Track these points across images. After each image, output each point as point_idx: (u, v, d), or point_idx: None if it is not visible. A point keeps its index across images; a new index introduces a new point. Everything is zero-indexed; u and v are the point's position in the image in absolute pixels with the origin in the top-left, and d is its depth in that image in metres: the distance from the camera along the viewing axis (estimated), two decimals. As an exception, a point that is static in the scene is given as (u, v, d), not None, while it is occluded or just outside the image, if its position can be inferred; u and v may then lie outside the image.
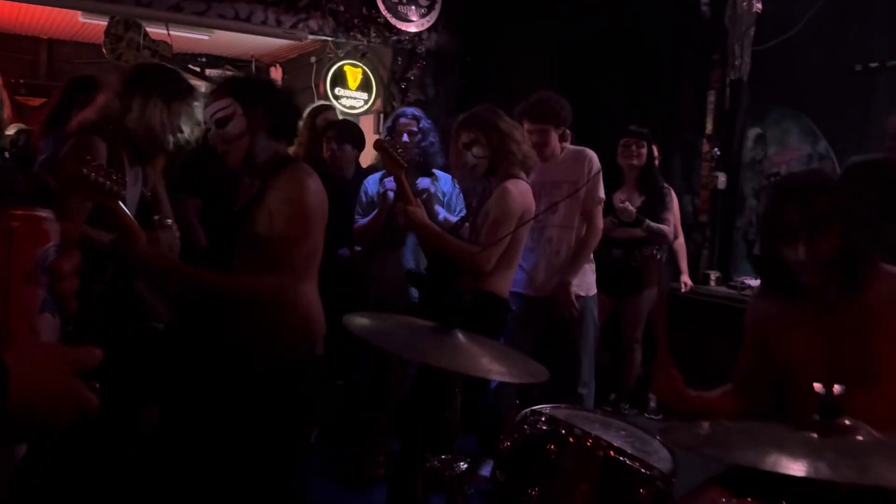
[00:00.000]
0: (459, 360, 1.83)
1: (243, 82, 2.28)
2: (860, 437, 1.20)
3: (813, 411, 1.22)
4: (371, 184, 3.63)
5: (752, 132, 6.04)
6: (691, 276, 4.74)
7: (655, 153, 4.59)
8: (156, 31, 5.44)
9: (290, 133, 2.29)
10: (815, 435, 1.18)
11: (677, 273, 4.69)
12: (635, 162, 4.19)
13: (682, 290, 4.54)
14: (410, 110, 3.69)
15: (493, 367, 1.82)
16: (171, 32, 5.56)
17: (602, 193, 3.48)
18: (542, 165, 3.32)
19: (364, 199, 3.66)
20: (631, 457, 1.56)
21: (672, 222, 4.26)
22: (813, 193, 1.71)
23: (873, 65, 5.12)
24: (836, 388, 1.22)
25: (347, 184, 3.83)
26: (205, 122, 2.29)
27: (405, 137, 3.55)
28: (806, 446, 1.13)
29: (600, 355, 4.74)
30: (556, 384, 3.48)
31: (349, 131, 3.95)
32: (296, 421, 2.30)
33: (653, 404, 4.59)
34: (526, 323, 3.34)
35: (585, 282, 3.46)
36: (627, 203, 4.06)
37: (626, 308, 4.35)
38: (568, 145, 3.44)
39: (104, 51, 5.09)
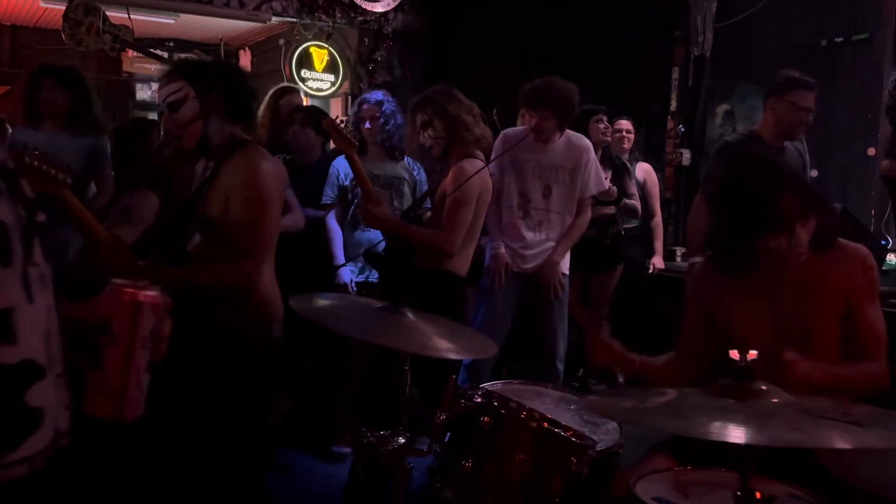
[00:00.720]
0: (406, 338, 1.84)
1: (196, 65, 2.26)
2: (775, 401, 1.22)
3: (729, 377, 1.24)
4: (342, 165, 3.62)
5: (721, 108, 6.07)
6: (656, 253, 4.77)
7: (630, 128, 4.62)
8: (117, 15, 5.36)
9: (245, 115, 2.27)
10: (731, 400, 1.20)
11: (652, 251, 4.72)
12: (607, 138, 4.21)
13: (650, 270, 4.57)
14: (373, 96, 3.67)
15: (440, 345, 1.84)
16: (134, 17, 5.47)
17: (601, 182, 3.55)
18: (538, 146, 3.33)
19: (336, 180, 3.66)
20: (565, 428, 1.57)
21: (638, 196, 4.29)
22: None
23: (838, 39, 5.16)
24: (752, 354, 1.24)
25: (311, 168, 3.81)
26: (158, 106, 2.27)
27: (367, 124, 3.54)
28: (722, 411, 1.15)
29: (570, 332, 4.79)
30: (535, 360, 3.60)
31: (313, 116, 3.93)
32: (258, 401, 2.30)
33: (621, 379, 4.63)
34: (511, 299, 3.38)
35: (565, 262, 3.50)
36: (608, 181, 4.08)
37: (595, 285, 4.38)
38: (568, 130, 3.45)
39: (63, 36, 5.00)
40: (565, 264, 3.49)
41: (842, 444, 1.03)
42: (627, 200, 4.20)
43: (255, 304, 2.23)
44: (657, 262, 4.60)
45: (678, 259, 5.03)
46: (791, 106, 3.32)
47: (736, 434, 1.05)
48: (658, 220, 4.65)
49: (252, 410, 2.27)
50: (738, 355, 1.24)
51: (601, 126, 4.21)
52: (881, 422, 1.15)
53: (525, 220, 3.38)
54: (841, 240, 1.89)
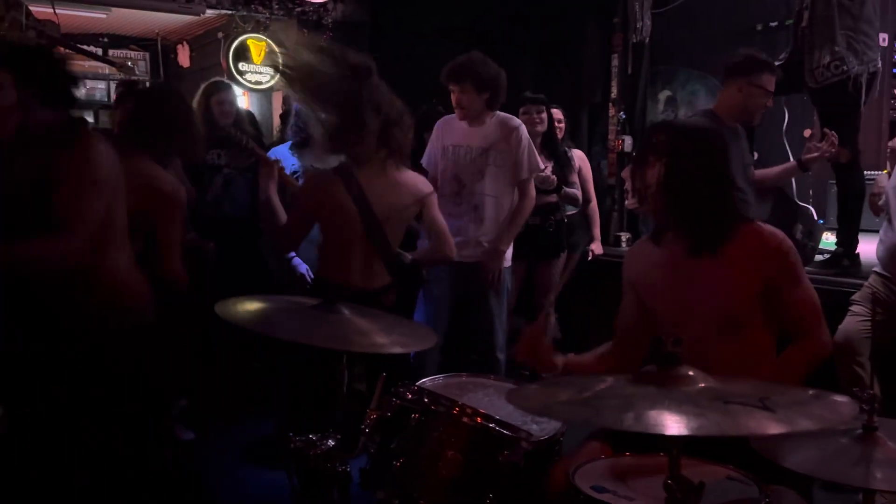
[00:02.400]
0: (344, 336, 1.79)
1: (11, 49, 2.12)
2: (702, 385, 1.21)
3: (652, 363, 1.23)
4: (282, 155, 3.53)
5: (664, 94, 6.14)
6: (603, 239, 4.79)
7: (561, 117, 4.61)
8: (42, 10, 5.14)
9: (67, 99, 2.15)
10: (653, 387, 1.18)
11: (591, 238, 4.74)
12: (539, 128, 4.18)
13: (589, 257, 4.59)
14: None
15: (380, 340, 1.79)
16: (63, 12, 5.26)
17: (537, 164, 3.47)
18: (469, 130, 3.27)
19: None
20: (498, 422, 1.55)
21: (579, 185, 4.29)
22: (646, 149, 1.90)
23: (773, 24, 5.26)
24: (673, 339, 1.22)
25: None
26: None
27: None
28: (638, 400, 1.13)
29: (516, 321, 4.79)
30: (475, 350, 3.56)
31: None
32: (129, 389, 2.21)
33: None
34: (447, 290, 3.32)
35: (508, 252, 3.46)
36: (548, 170, 4.07)
37: (540, 274, 4.38)
38: (498, 112, 3.39)
39: (-16, 32, 4.77)
40: (508, 255, 3.44)
41: (752, 430, 1.03)
42: (568, 189, 4.19)
43: (106, 291, 2.15)
44: (595, 248, 4.62)
45: (623, 244, 5.07)
46: (758, 90, 3.26)
47: (636, 424, 1.03)
48: (594, 205, 4.67)
49: (132, 397, 2.20)
50: (663, 341, 1.22)
51: (528, 116, 4.20)
52: (799, 406, 1.14)
53: (459, 206, 3.31)
54: (757, 223, 1.91)
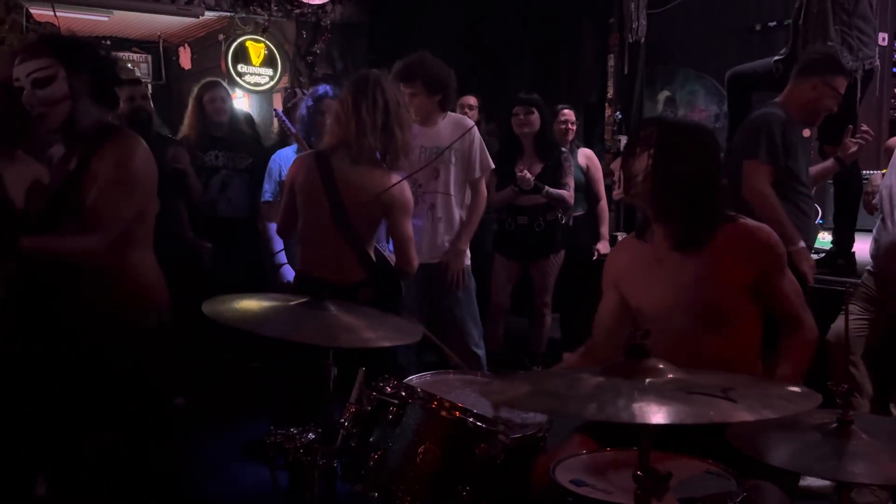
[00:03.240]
0: (332, 333, 1.81)
1: (67, 42, 2.16)
2: (669, 377, 1.22)
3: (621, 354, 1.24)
4: (284, 159, 3.55)
5: (662, 95, 6.14)
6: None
7: (573, 118, 4.62)
8: (43, 13, 5.18)
9: (112, 100, 2.20)
10: (620, 379, 1.19)
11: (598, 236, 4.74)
12: (526, 130, 4.19)
13: (595, 256, 4.59)
14: (327, 89, 3.56)
15: (366, 335, 1.81)
16: (65, 14, 5.31)
17: (488, 163, 3.48)
18: (422, 130, 3.29)
19: (277, 175, 3.58)
20: (476, 415, 1.56)
21: (572, 186, 4.28)
22: (636, 140, 1.93)
23: (772, 24, 5.25)
24: (642, 332, 1.23)
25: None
26: (17, 80, 2.12)
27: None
28: (603, 391, 1.14)
29: (518, 321, 4.79)
30: (451, 347, 3.57)
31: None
32: (142, 387, 2.22)
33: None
34: (413, 290, 3.33)
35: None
36: (526, 172, 4.08)
37: (533, 273, 4.39)
38: (449, 112, 3.40)
39: (-16, 35, 4.83)
40: (468, 254, 3.46)
41: (712, 418, 1.04)
42: (552, 190, 4.16)
43: (124, 289, 2.17)
44: (602, 247, 4.62)
45: (621, 244, 5.06)
46: (832, 91, 3.18)
47: (598, 413, 1.05)
48: (603, 204, 4.67)
49: (135, 396, 2.20)
50: (633, 333, 1.23)
51: (517, 117, 4.21)
52: (761, 396, 1.15)
53: (416, 206, 3.22)
54: (742, 220, 1.92)
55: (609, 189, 4.96)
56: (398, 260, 2.80)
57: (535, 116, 4.16)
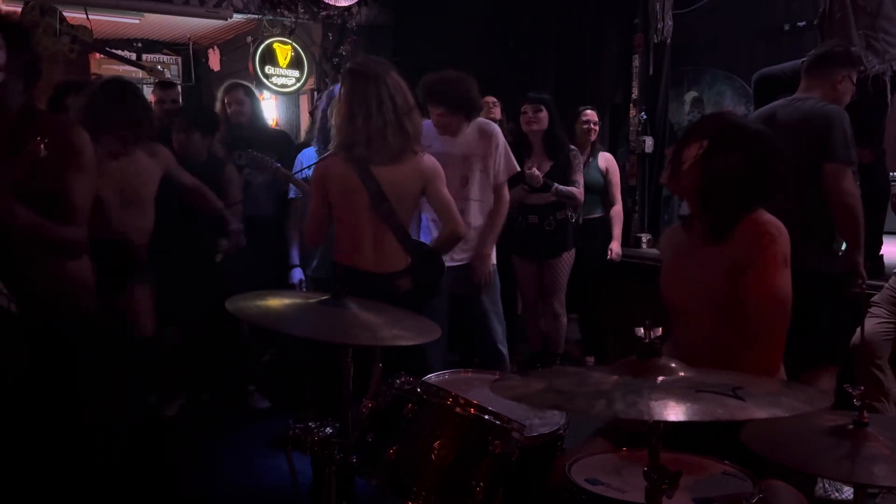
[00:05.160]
0: (350, 331, 1.83)
1: (11, 23, 2.08)
2: (679, 375, 1.22)
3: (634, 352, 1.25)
4: (308, 157, 3.60)
5: (689, 96, 6.09)
6: (623, 240, 4.77)
7: (595, 119, 4.60)
8: (76, 16, 5.31)
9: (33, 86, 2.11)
10: (630, 376, 1.20)
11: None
12: (535, 127, 4.19)
13: (608, 256, 4.57)
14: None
15: (384, 333, 1.83)
16: (98, 17, 5.43)
17: (513, 166, 3.51)
18: (450, 139, 3.32)
19: (301, 173, 3.64)
20: (491, 413, 1.57)
21: (581, 183, 4.26)
22: (693, 129, 1.94)
23: (801, 24, 5.18)
24: (656, 330, 1.24)
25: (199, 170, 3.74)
26: None
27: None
28: (618, 388, 1.15)
29: (538, 320, 4.78)
30: (477, 352, 3.61)
31: (197, 117, 3.92)
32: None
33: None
34: (444, 293, 3.36)
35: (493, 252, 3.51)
36: (534, 169, 4.08)
37: (545, 272, 4.38)
38: (476, 119, 3.43)
39: (21, 38, 4.94)
40: (494, 254, 3.51)
41: (719, 416, 1.04)
42: (562, 186, 4.16)
43: (58, 277, 2.12)
44: (615, 246, 4.60)
45: (644, 245, 5.04)
46: (852, 86, 3.17)
47: (605, 410, 1.06)
48: (618, 208, 4.64)
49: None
50: (643, 331, 1.24)
51: (525, 115, 4.21)
52: (770, 395, 1.15)
53: None
54: (761, 212, 1.89)
55: (626, 194, 4.95)
56: (445, 227, 2.84)
57: (544, 114, 4.16)
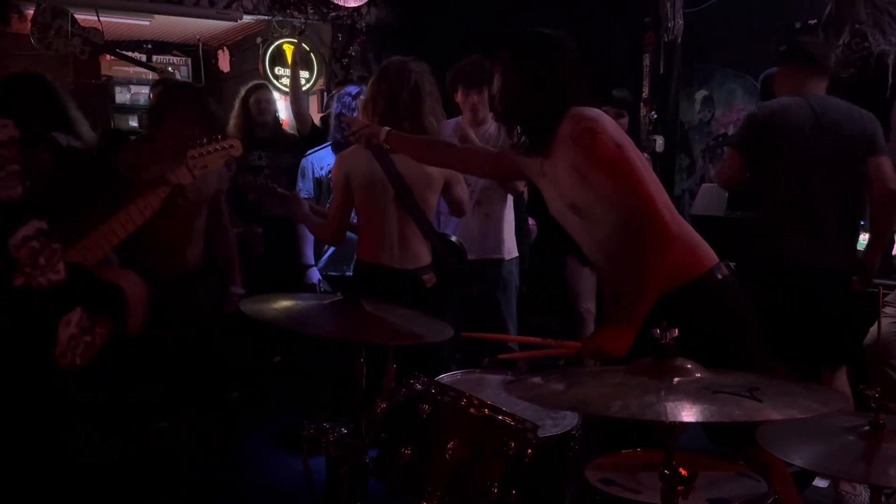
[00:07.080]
0: (362, 330, 1.85)
1: None
2: (696, 376, 1.22)
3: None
4: (317, 157, 3.61)
5: (700, 94, 6.07)
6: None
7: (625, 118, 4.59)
8: (87, 17, 5.33)
9: None
10: (646, 377, 1.20)
11: None
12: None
13: None
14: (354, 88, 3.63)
15: (401, 332, 1.85)
16: (107, 19, 5.44)
17: None
18: (475, 130, 3.32)
19: (310, 173, 3.64)
20: (505, 413, 1.57)
21: None
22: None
23: (812, 22, 5.15)
24: (672, 332, 1.24)
25: None
26: None
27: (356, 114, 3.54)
28: (634, 389, 1.15)
29: (547, 321, 4.77)
30: (490, 343, 3.61)
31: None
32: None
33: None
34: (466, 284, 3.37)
35: (509, 244, 3.48)
36: None
37: (569, 272, 4.35)
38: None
39: (32, 40, 4.97)
40: (509, 247, 3.49)
41: (737, 417, 1.04)
42: None
43: None
44: None
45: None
46: None
47: (621, 411, 1.06)
48: None
49: None
50: (658, 333, 1.24)
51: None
52: (787, 396, 1.15)
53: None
54: (574, 109, 1.97)
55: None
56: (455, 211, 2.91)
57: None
